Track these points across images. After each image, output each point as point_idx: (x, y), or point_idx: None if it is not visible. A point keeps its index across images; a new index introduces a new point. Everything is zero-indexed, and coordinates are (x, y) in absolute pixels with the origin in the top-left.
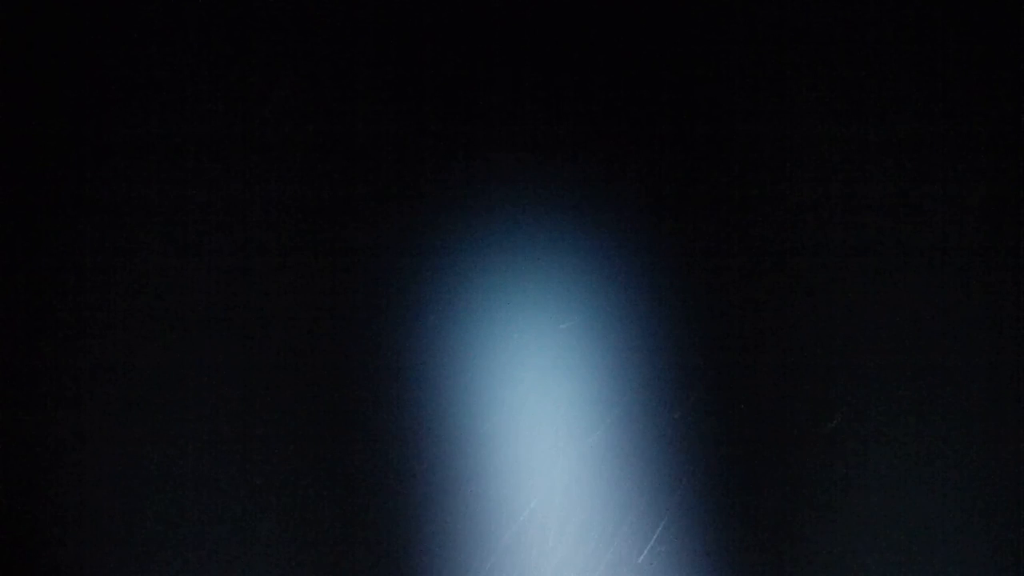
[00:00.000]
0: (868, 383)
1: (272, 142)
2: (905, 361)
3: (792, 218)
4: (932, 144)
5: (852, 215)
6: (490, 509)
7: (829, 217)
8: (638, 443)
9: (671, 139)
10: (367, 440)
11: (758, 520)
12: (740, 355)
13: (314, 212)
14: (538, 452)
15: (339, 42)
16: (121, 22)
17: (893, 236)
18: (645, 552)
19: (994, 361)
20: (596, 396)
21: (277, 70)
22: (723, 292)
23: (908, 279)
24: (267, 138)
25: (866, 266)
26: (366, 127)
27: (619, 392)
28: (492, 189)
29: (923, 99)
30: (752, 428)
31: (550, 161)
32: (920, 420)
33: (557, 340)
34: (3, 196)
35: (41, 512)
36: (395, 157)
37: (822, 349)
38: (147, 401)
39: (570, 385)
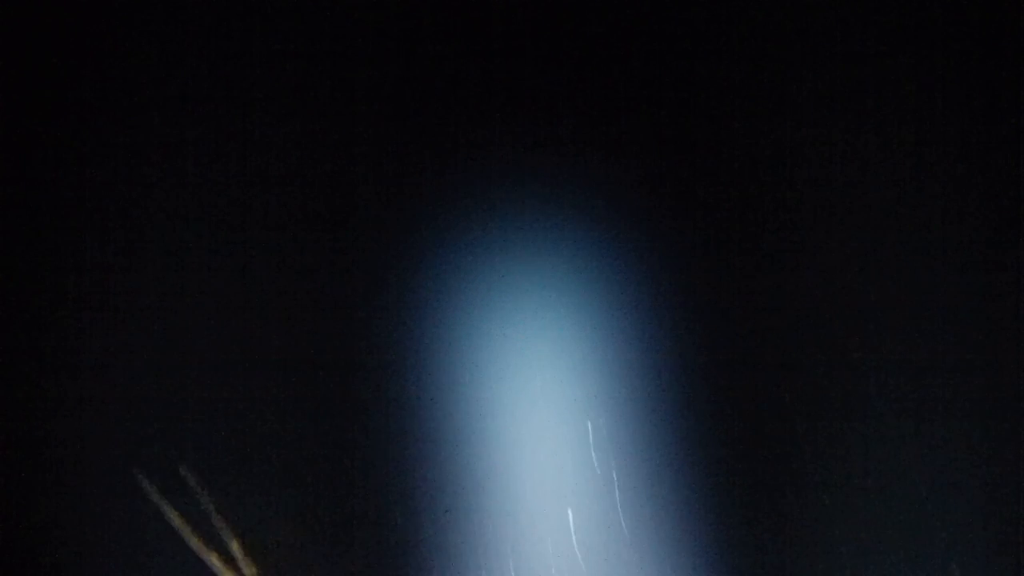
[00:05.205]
0: (868, 383)
1: (272, 143)
2: (905, 361)
3: (792, 218)
4: (932, 144)
5: (852, 215)
6: (490, 508)
7: (829, 217)
8: (639, 442)
9: (671, 139)
10: (367, 440)
11: (758, 520)
12: (740, 355)
13: (314, 213)
14: (538, 451)
15: (339, 42)
16: (121, 22)
17: (893, 236)
18: (645, 550)
19: (994, 361)
20: (596, 396)
21: (277, 70)
22: (723, 292)
23: (908, 279)
24: (267, 139)
25: (866, 266)
26: (366, 127)
27: (619, 392)
28: (492, 189)
29: (923, 99)
30: (752, 428)
31: (550, 161)
32: (920, 420)
33: (557, 340)
34: (3, 196)
35: (41, 512)
36: (395, 157)
37: (822, 349)
38: (147, 400)
39: (570, 385)
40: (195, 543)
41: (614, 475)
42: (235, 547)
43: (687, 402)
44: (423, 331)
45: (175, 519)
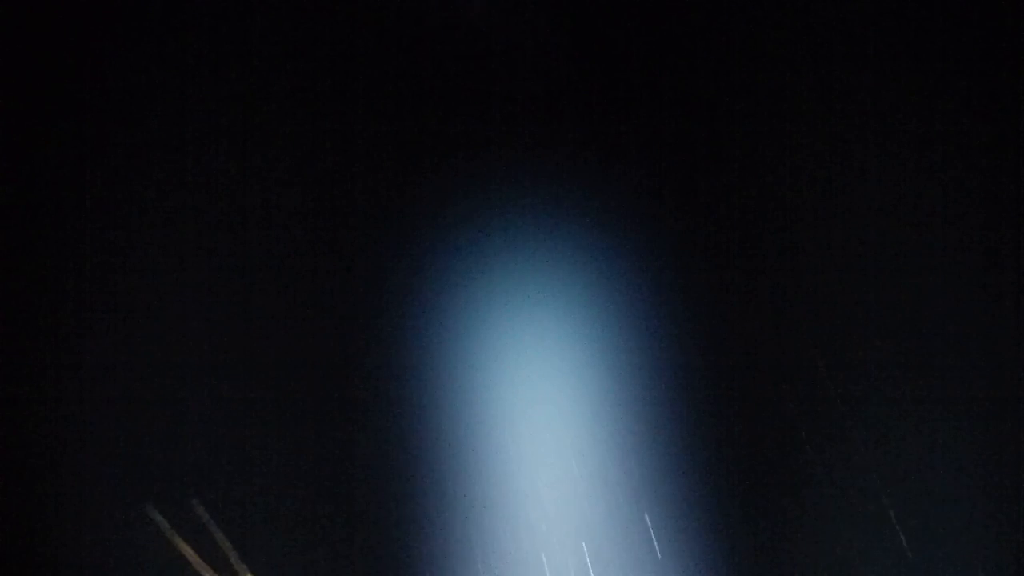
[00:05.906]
0: (868, 382)
1: (272, 142)
2: (905, 360)
3: (792, 218)
4: (932, 144)
5: (852, 215)
6: (490, 508)
7: (829, 217)
8: (639, 443)
9: (671, 139)
10: (367, 440)
11: (758, 520)
12: (740, 355)
13: (314, 212)
14: (538, 451)
15: (339, 42)
16: (121, 22)
17: (893, 236)
18: (645, 550)
19: (994, 361)
20: (596, 396)
21: (277, 70)
22: (723, 292)
23: (908, 279)
24: (267, 139)
25: (866, 266)
26: (366, 127)
27: (619, 392)
28: (492, 189)
29: (923, 99)
30: (752, 428)
31: (550, 160)
32: (920, 420)
33: (557, 340)
34: (3, 196)
35: (41, 512)
36: (395, 157)
37: (822, 349)
38: (147, 401)
39: (570, 385)
40: (194, 557)
41: (615, 475)
42: (233, 560)
43: (687, 402)
44: (423, 331)
45: (176, 538)
